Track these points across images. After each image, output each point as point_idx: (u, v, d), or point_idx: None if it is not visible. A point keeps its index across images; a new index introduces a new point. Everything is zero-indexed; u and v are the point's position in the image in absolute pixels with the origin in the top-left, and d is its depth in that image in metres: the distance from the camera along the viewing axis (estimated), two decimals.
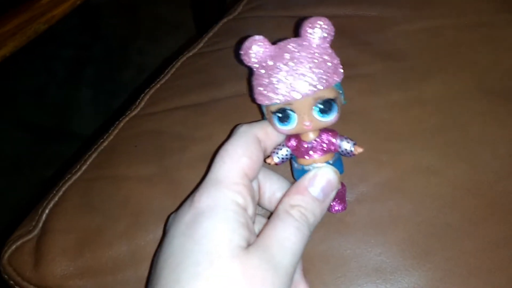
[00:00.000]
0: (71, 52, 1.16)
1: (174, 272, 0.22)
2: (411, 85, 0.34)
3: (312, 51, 0.24)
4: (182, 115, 0.35)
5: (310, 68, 0.24)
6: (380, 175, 0.30)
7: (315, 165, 0.26)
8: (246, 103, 0.33)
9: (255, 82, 0.25)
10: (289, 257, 0.22)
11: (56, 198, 0.33)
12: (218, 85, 0.36)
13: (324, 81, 0.24)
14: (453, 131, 0.32)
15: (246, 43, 0.25)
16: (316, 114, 0.24)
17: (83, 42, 1.18)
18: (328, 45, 0.25)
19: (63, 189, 0.34)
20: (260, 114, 0.32)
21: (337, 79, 0.25)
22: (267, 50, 0.25)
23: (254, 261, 0.22)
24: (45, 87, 1.09)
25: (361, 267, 0.28)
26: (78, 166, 0.35)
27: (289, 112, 0.24)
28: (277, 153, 0.26)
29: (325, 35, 0.24)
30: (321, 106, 0.24)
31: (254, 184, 0.27)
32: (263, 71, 0.25)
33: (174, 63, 0.40)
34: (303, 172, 0.26)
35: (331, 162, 0.26)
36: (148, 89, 0.39)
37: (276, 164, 0.27)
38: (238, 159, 0.25)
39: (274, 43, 0.25)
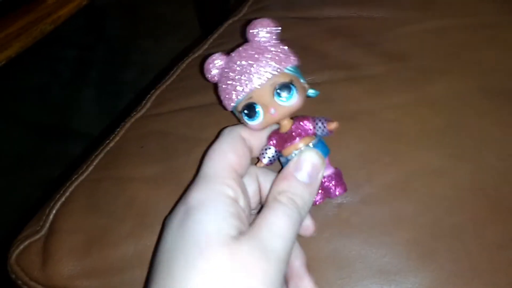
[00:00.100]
0: (75, 52, 1.17)
1: (167, 266, 0.22)
2: (416, 86, 0.34)
3: (259, 47, 0.26)
4: (188, 116, 0.35)
5: (260, 60, 0.26)
6: (386, 176, 0.30)
7: (296, 152, 0.26)
8: None
9: (220, 93, 0.28)
10: (280, 242, 0.22)
11: (63, 199, 0.34)
12: None
13: (275, 67, 0.26)
14: (458, 132, 0.32)
15: (205, 65, 0.28)
16: (278, 100, 0.26)
17: (87, 43, 1.19)
18: (274, 39, 0.26)
19: (70, 189, 0.34)
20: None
21: (288, 64, 0.26)
22: (222, 63, 0.27)
23: (244, 248, 0.22)
24: (49, 87, 1.09)
25: (366, 268, 0.28)
26: (84, 167, 0.35)
27: (254, 106, 0.26)
28: (264, 155, 0.27)
29: (268, 33, 0.26)
30: (279, 91, 0.25)
31: (254, 184, 0.27)
32: (223, 79, 0.27)
33: (179, 64, 0.40)
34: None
35: (311, 145, 0.26)
36: (153, 90, 0.39)
37: (266, 165, 0.27)
38: (225, 155, 0.25)
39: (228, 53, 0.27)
